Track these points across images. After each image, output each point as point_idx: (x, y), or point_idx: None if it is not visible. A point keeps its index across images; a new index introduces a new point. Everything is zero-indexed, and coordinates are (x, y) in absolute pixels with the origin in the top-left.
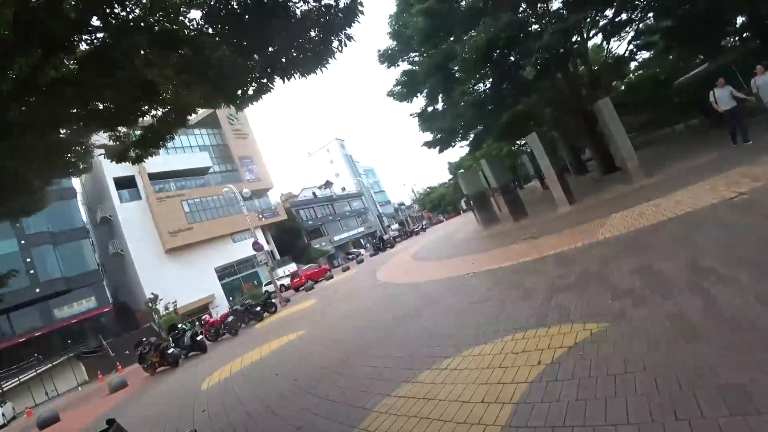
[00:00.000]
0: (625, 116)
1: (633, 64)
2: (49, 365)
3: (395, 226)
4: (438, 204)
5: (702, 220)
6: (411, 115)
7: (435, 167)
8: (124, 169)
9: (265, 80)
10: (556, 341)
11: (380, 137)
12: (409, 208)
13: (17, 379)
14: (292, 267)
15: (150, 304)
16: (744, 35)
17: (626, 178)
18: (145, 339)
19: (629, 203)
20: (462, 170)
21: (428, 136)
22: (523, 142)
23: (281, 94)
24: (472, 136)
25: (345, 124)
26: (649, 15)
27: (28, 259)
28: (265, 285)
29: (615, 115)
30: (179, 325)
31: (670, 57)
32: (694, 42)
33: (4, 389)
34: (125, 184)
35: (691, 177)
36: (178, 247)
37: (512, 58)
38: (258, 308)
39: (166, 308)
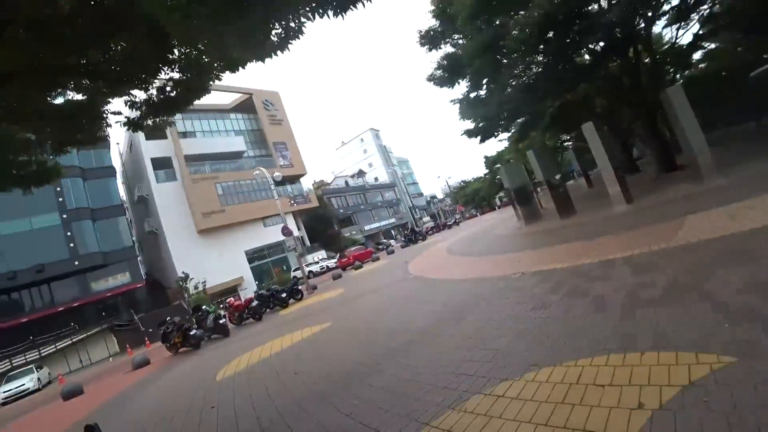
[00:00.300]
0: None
1: (698, 55)
2: (84, 335)
3: (427, 218)
4: (472, 198)
5: None
6: (452, 101)
7: (470, 161)
8: (162, 149)
9: (292, 20)
10: (659, 375)
11: (416, 128)
12: (442, 202)
13: (54, 346)
14: (322, 254)
15: (180, 283)
16: None
17: (695, 176)
18: (169, 318)
19: (706, 204)
20: (503, 163)
21: (468, 125)
22: (566, 137)
23: (317, 81)
24: (515, 126)
25: (380, 114)
26: None
27: (69, 233)
28: (294, 270)
29: (687, 106)
30: (203, 307)
31: (739, 49)
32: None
33: (43, 354)
34: (162, 164)
35: None
36: (211, 228)
37: (570, 38)
38: (284, 294)
39: (196, 288)
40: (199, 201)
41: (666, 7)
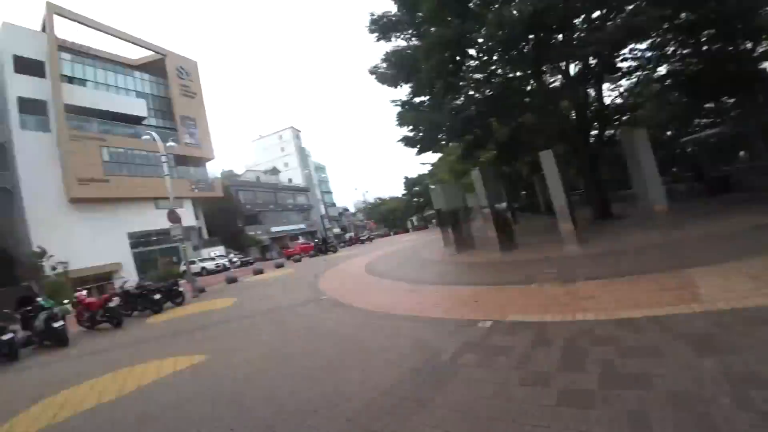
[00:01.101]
0: None
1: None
2: None
3: (337, 230)
4: (387, 217)
5: None
6: (394, 102)
7: (387, 179)
8: (36, 89)
9: None
10: None
11: (338, 134)
12: (354, 216)
13: None
14: (221, 250)
15: (34, 259)
16: None
17: (643, 226)
18: None
19: (677, 261)
20: (436, 183)
21: (406, 132)
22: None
23: (242, 60)
24: (462, 142)
25: (305, 110)
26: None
27: None
28: (184, 264)
29: (649, 148)
30: (39, 300)
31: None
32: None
33: None
34: (33, 108)
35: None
36: (88, 198)
37: (551, 47)
38: (158, 296)
39: (54, 268)
40: (77, 164)
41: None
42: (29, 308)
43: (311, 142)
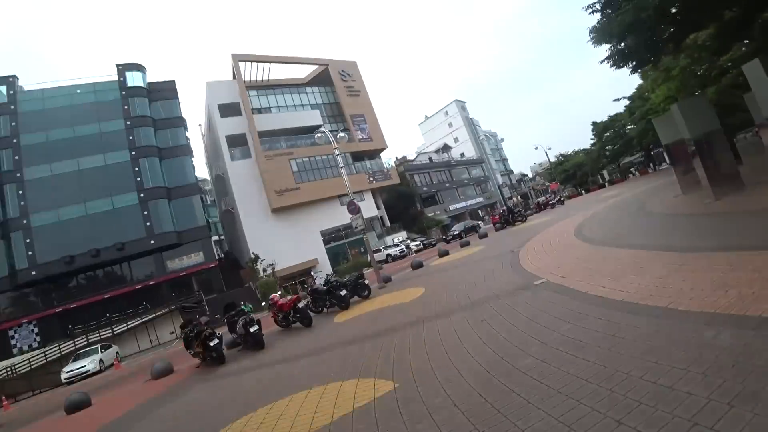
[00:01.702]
0: None
1: None
2: (152, 316)
3: (516, 198)
4: (573, 174)
5: None
6: (587, 8)
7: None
8: (237, 126)
9: None
10: None
11: (506, 100)
12: (533, 180)
13: (126, 324)
14: (402, 235)
15: (251, 264)
16: None
17: None
18: (197, 316)
19: None
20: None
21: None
22: None
23: (398, 49)
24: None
25: (467, 81)
26: None
27: (146, 212)
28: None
29: None
30: (241, 305)
31: None
32: None
33: (115, 333)
34: (237, 141)
35: None
36: (284, 207)
37: None
38: (343, 292)
39: (265, 270)
40: (273, 178)
41: None
42: (233, 313)
43: (478, 110)
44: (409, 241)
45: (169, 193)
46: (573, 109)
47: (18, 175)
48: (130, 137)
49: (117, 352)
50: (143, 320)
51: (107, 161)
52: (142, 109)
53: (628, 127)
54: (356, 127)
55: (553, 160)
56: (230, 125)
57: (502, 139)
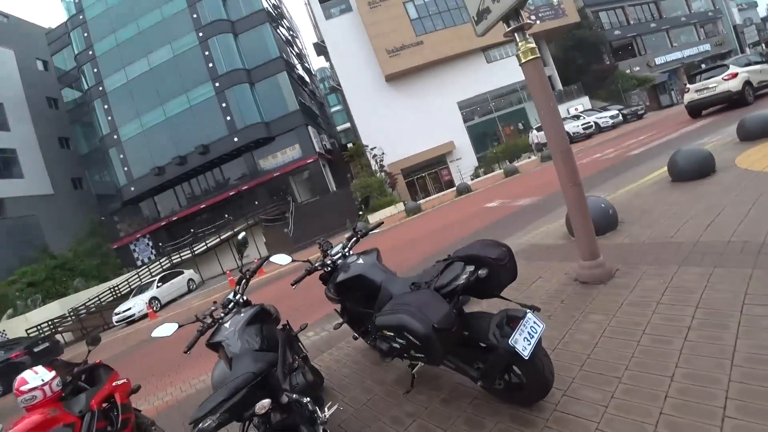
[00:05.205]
0: None
1: None
2: (230, 233)
3: (764, 46)
4: None
5: None
6: None
7: None
8: None
9: None
10: None
11: None
12: None
13: (204, 244)
14: (584, 102)
15: (352, 152)
16: None
17: None
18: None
19: None
20: None
21: None
22: None
23: None
24: None
25: None
26: None
27: (224, 104)
28: (535, 129)
29: None
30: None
31: None
32: None
33: (195, 253)
34: None
35: None
36: (402, 72)
37: None
38: None
39: (378, 158)
40: (383, 33)
41: None
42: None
43: None
44: (596, 112)
45: (250, 76)
46: None
47: (100, 88)
48: (194, 15)
49: (190, 279)
50: (221, 237)
51: (175, 51)
52: None
53: None
54: None
55: None
56: None
57: None
